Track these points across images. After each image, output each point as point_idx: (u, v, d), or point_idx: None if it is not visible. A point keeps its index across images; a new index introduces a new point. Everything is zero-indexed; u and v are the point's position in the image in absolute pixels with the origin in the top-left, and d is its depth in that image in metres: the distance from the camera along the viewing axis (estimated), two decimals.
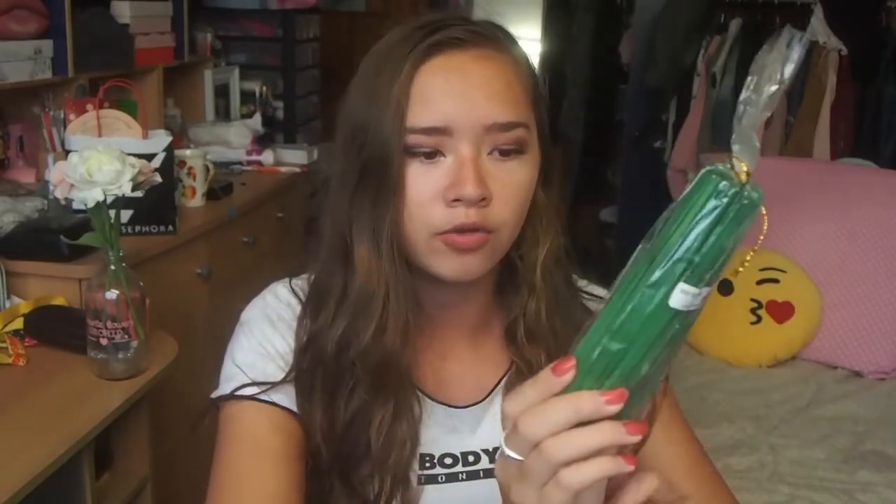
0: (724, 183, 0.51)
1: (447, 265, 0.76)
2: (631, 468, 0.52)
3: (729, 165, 0.52)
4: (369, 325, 0.78)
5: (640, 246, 0.54)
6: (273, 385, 0.79)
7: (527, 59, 0.81)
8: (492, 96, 0.75)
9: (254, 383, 0.80)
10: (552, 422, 0.52)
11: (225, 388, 0.81)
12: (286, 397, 0.80)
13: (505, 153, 0.75)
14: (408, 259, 0.78)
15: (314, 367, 0.80)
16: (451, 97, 0.75)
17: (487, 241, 0.75)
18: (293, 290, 0.86)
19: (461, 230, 0.74)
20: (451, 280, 0.77)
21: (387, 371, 0.78)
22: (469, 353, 0.87)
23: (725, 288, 2.32)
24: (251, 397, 0.79)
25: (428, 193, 0.75)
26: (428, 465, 0.83)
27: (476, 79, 0.75)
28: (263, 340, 0.83)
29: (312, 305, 0.83)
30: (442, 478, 0.83)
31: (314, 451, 0.80)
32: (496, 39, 0.79)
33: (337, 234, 0.80)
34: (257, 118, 3.08)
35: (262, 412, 0.79)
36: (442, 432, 0.83)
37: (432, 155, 0.75)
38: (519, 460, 0.53)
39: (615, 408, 0.51)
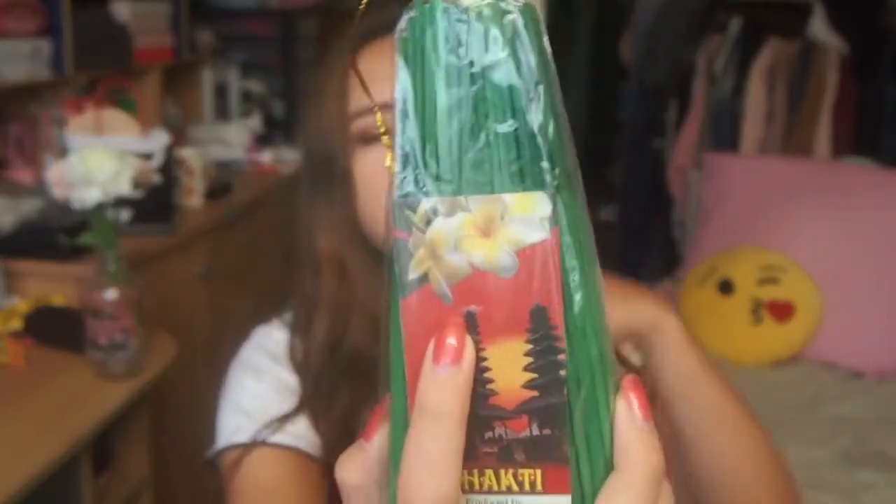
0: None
1: None
2: None
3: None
4: (335, 319, 0.76)
5: None
6: (287, 417, 0.75)
7: None
8: None
9: (269, 424, 0.75)
10: None
11: (235, 436, 0.76)
12: (302, 437, 0.76)
13: None
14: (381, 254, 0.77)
15: (314, 386, 0.77)
16: (391, 73, 0.73)
17: None
18: (282, 327, 0.83)
19: None
20: None
21: (358, 366, 0.75)
22: None
23: (726, 288, 2.32)
24: (265, 443, 0.75)
25: (381, 171, 0.72)
26: None
27: None
28: (276, 380, 0.79)
29: (298, 327, 0.80)
30: None
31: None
32: None
33: (302, 244, 0.79)
34: (257, 118, 3.08)
35: (281, 458, 0.74)
36: None
37: (386, 134, 0.73)
38: None
39: None
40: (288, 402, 0.77)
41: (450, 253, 0.29)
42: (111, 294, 1.47)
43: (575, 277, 0.30)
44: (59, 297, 1.73)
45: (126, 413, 1.54)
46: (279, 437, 0.75)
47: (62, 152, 1.97)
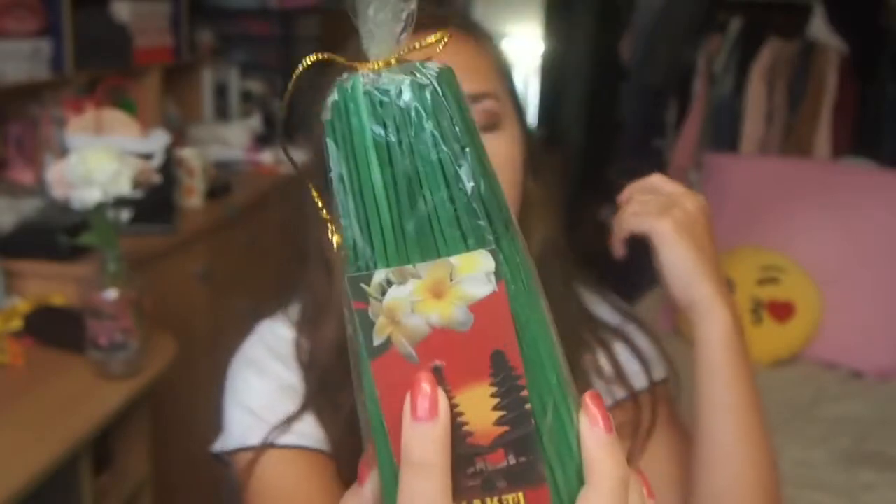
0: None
1: None
2: None
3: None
4: (344, 318, 0.76)
5: None
6: (293, 417, 0.76)
7: (490, 37, 0.80)
8: (455, 69, 0.74)
9: (277, 427, 0.75)
10: None
11: (246, 439, 0.77)
12: (311, 435, 0.76)
13: (482, 130, 0.74)
14: None
15: (320, 384, 0.78)
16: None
17: None
18: (287, 323, 0.83)
19: None
20: None
21: None
22: None
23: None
24: (274, 445, 0.75)
25: None
26: None
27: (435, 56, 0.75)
28: (278, 380, 0.79)
29: (307, 325, 0.80)
30: None
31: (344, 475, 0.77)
32: (455, 21, 0.78)
33: (313, 241, 0.79)
34: (257, 118, 3.08)
35: (294, 459, 0.75)
36: None
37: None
38: None
39: None
40: (290, 401, 0.77)
41: (408, 317, 0.31)
42: (111, 294, 1.47)
43: (525, 319, 0.32)
44: (59, 297, 1.73)
45: (126, 413, 1.54)
46: (288, 438, 0.76)
47: (62, 152, 1.97)
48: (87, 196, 1.42)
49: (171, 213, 2.07)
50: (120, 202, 1.47)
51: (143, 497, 1.66)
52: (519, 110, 0.79)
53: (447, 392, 0.31)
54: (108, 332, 1.47)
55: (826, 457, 1.87)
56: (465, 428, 0.32)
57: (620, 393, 0.82)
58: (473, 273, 0.31)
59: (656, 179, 0.78)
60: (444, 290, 0.31)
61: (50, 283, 1.76)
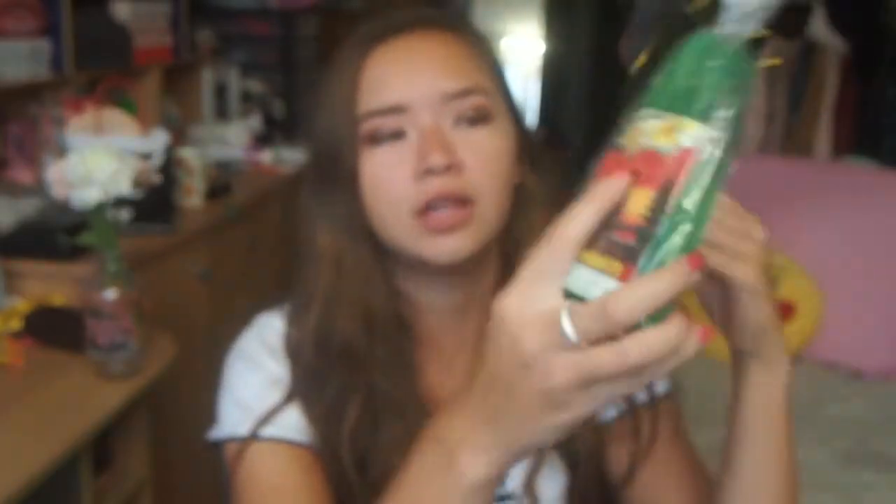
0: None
1: (432, 248, 0.74)
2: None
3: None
4: (326, 310, 0.77)
5: None
6: (277, 409, 0.77)
7: (481, 35, 0.82)
8: (442, 67, 0.76)
9: (264, 420, 0.77)
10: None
11: (235, 430, 0.78)
12: (296, 427, 0.78)
13: (471, 122, 0.75)
14: (399, 253, 0.78)
15: (302, 376, 0.79)
16: (402, 76, 0.76)
17: (470, 217, 0.74)
18: (283, 316, 0.84)
19: (437, 203, 0.73)
20: (440, 263, 0.75)
21: (346, 358, 0.77)
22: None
23: None
24: (264, 438, 0.77)
25: (396, 173, 0.74)
26: None
27: (424, 55, 0.77)
28: (268, 373, 0.80)
29: (295, 316, 0.81)
30: None
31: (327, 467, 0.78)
32: (442, 20, 0.80)
33: (306, 240, 0.81)
34: (257, 117, 3.08)
35: (278, 453, 0.76)
36: None
37: (397, 135, 0.75)
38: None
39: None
40: (279, 394, 0.79)
41: (644, 137, 0.50)
42: (111, 294, 1.47)
43: (700, 180, 0.49)
44: (59, 297, 1.73)
45: (126, 413, 1.54)
46: (274, 431, 0.77)
47: (62, 152, 1.97)
48: (87, 196, 1.42)
49: (171, 213, 2.07)
50: (120, 202, 1.47)
51: (143, 497, 1.66)
52: (511, 105, 0.80)
53: (632, 184, 0.49)
54: (108, 332, 1.47)
55: (826, 457, 1.87)
56: (622, 208, 0.48)
57: (620, 405, 0.83)
58: (693, 134, 0.49)
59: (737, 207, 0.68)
60: (672, 133, 0.49)
61: (50, 283, 1.76)
